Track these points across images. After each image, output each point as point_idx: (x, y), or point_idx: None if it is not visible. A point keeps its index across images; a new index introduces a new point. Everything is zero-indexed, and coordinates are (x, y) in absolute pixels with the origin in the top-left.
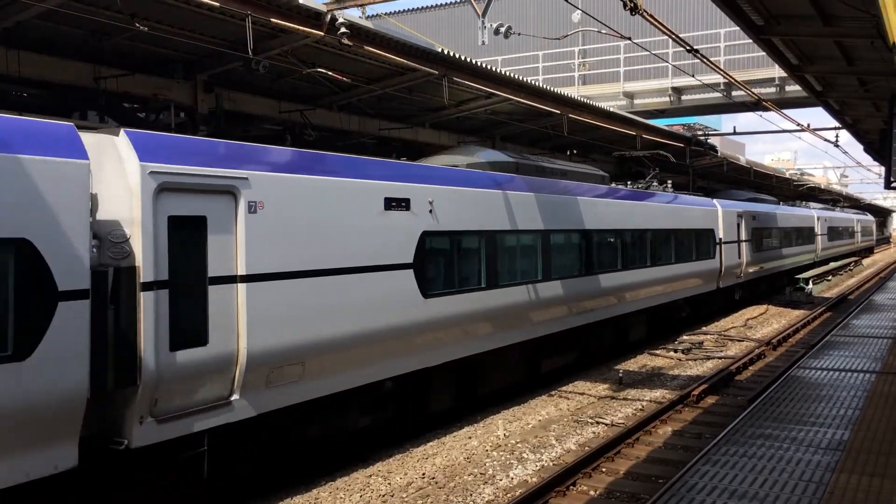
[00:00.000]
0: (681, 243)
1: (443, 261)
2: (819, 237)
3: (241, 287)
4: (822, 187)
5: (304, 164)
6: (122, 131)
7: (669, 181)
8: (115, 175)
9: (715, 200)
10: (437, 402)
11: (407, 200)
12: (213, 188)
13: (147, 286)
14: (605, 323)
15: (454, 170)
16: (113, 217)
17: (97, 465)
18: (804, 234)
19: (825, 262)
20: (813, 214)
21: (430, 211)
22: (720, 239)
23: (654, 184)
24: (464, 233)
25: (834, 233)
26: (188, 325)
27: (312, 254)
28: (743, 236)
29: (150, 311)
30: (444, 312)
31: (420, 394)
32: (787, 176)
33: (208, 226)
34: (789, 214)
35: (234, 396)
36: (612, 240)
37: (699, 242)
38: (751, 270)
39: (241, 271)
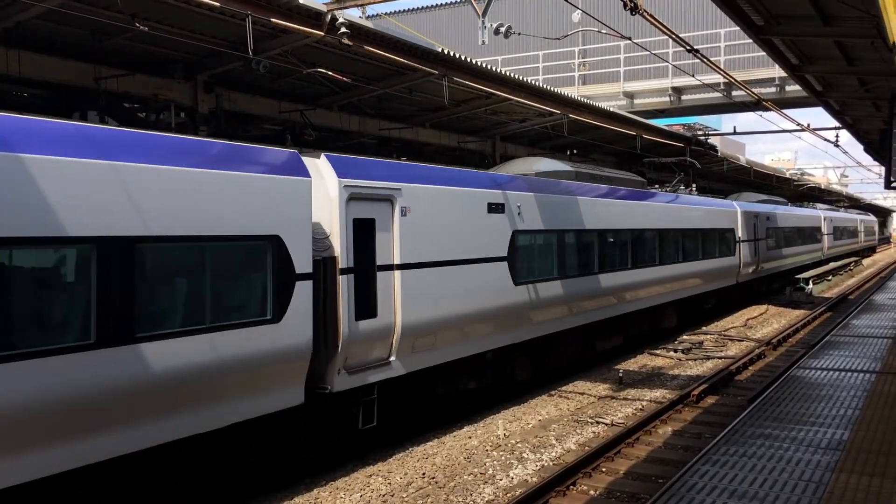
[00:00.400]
0: (707, 241)
1: (527, 255)
2: (825, 237)
3: (397, 273)
4: (823, 187)
5: (434, 176)
6: (322, 155)
7: (694, 185)
8: (319, 188)
9: (734, 203)
10: (521, 373)
11: (502, 205)
12: (379, 197)
13: (342, 272)
14: (644, 312)
15: (533, 178)
16: (317, 219)
17: (311, 404)
18: (812, 234)
19: (831, 259)
20: (820, 215)
21: (518, 213)
22: (739, 238)
23: (681, 187)
24: (542, 231)
25: (839, 232)
26: (365, 302)
27: (440, 248)
28: (759, 235)
29: (344, 291)
30: (529, 297)
31: (509, 365)
32: (787, 176)
33: (375, 226)
34: (799, 215)
35: (392, 358)
36: (651, 238)
37: (721, 241)
38: (765, 267)
39: (396, 261)
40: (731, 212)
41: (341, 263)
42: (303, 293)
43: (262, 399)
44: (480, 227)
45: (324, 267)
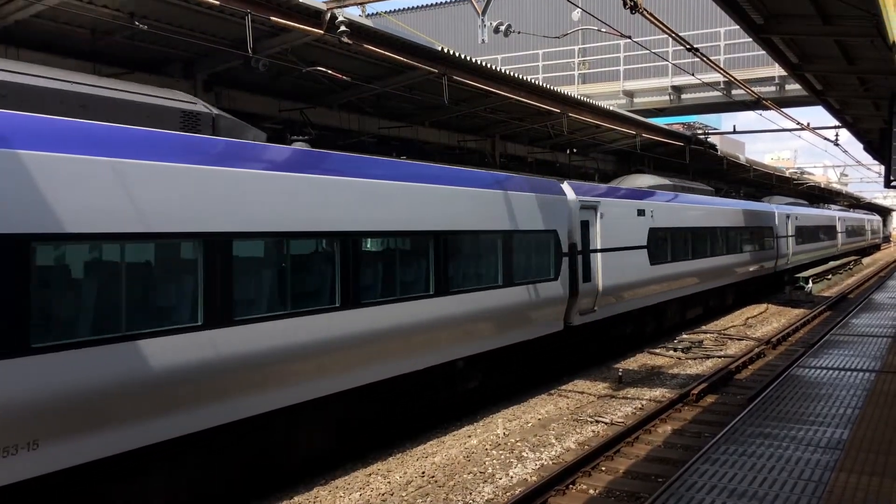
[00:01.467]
0: (755, 236)
1: (656, 245)
2: (840, 234)
3: (598, 255)
4: (832, 189)
5: (613, 193)
6: (565, 181)
7: (742, 190)
8: (566, 200)
9: (772, 205)
10: (649, 328)
11: (644, 210)
12: (591, 206)
13: (578, 252)
14: (716, 290)
15: (657, 191)
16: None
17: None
18: (830, 231)
19: (844, 255)
20: (835, 215)
21: (652, 216)
22: (777, 234)
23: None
24: (664, 228)
25: (850, 231)
26: (586, 271)
27: (617, 239)
28: (790, 233)
29: (577, 263)
30: (660, 274)
31: (645, 321)
32: (787, 175)
33: (589, 224)
34: (820, 215)
35: (596, 308)
36: (722, 234)
37: (765, 236)
38: (794, 259)
39: (598, 247)
40: (771, 213)
41: (578, 248)
42: (564, 264)
43: (547, 326)
44: (634, 225)
45: (571, 249)
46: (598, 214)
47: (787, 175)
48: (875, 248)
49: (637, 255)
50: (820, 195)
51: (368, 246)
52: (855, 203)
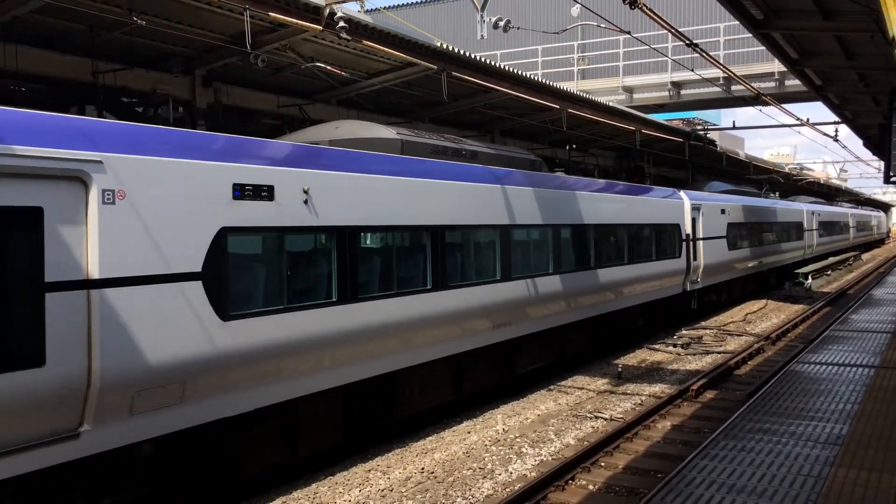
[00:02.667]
0: (792, 230)
1: (732, 235)
2: (851, 229)
3: (701, 242)
4: (839, 187)
5: (709, 197)
6: (682, 191)
7: (777, 192)
8: (682, 203)
9: (801, 203)
10: (723, 297)
11: (724, 210)
12: (696, 206)
13: (691, 239)
14: (764, 273)
15: (722, 195)
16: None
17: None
18: (845, 226)
19: (855, 247)
20: (848, 212)
21: (729, 214)
22: (805, 228)
23: (771, 193)
24: (737, 223)
25: (860, 226)
26: (695, 253)
27: (710, 230)
28: (815, 227)
29: (689, 247)
30: (734, 257)
31: (721, 292)
32: (787, 171)
33: (695, 220)
34: (836, 212)
35: (699, 279)
36: (772, 227)
37: (797, 230)
38: (818, 249)
39: (700, 236)
40: (801, 210)
41: (693, 236)
42: (683, 248)
43: (675, 289)
44: (719, 221)
45: (686, 237)
46: (700, 213)
47: (787, 171)
48: (880, 242)
49: (721, 243)
50: (827, 192)
51: (587, 233)
52: (857, 200)
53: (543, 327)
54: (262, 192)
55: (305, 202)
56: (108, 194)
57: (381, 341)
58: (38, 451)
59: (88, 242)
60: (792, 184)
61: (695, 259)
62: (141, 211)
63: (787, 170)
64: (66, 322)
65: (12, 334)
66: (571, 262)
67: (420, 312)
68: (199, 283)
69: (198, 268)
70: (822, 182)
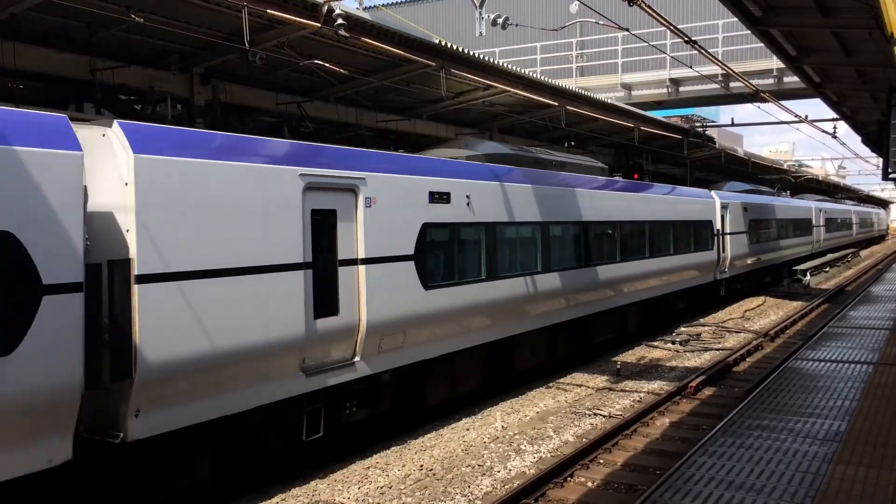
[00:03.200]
0: (801, 226)
1: (753, 230)
2: (855, 225)
3: (727, 237)
4: (830, 182)
5: (734, 196)
6: (713, 191)
7: (776, 186)
8: (714, 201)
9: (810, 202)
10: (742, 286)
11: (747, 208)
12: (724, 205)
13: (721, 235)
14: (779, 265)
15: (749, 194)
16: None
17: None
18: (848, 223)
19: (857, 242)
20: (851, 209)
21: (749, 211)
22: (813, 224)
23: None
24: (755, 220)
25: (862, 222)
26: (724, 246)
27: (735, 226)
28: (821, 223)
29: (719, 241)
30: (754, 250)
31: (742, 281)
32: (785, 167)
33: (723, 217)
34: (841, 209)
35: (726, 270)
36: (786, 223)
37: (807, 226)
38: (825, 244)
39: (727, 231)
40: (810, 208)
41: (719, 231)
42: (715, 241)
43: (708, 277)
44: (742, 218)
45: (716, 232)
46: (728, 210)
47: (785, 167)
48: (881, 238)
49: (743, 238)
50: (831, 190)
51: (645, 228)
52: (858, 197)
53: (611, 307)
54: (444, 198)
55: (468, 204)
56: (368, 200)
57: (508, 311)
58: (334, 372)
59: (357, 233)
60: (802, 183)
61: (723, 252)
62: (384, 212)
63: (785, 166)
64: (349, 286)
65: (325, 294)
66: (633, 253)
67: (533, 290)
68: (412, 262)
69: (411, 251)
70: (827, 181)
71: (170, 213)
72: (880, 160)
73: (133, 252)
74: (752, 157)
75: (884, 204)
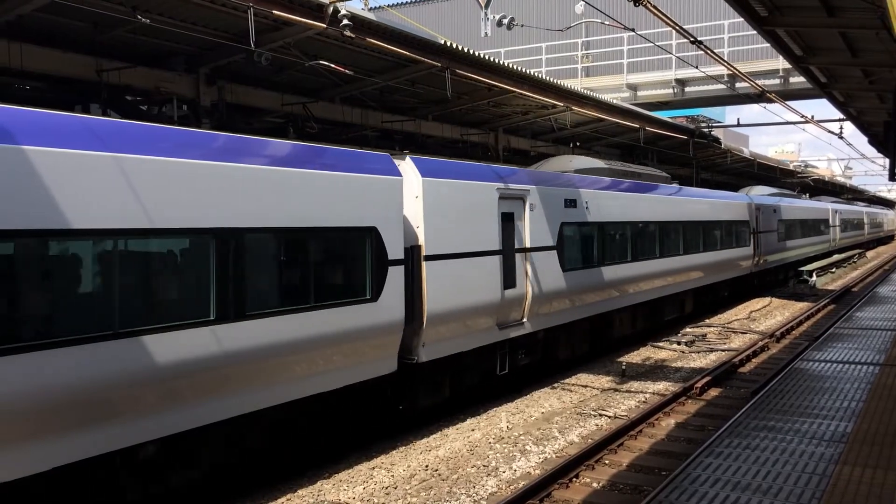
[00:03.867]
0: (820, 226)
1: (783, 229)
2: (866, 225)
3: (761, 235)
4: (845, 185)
5: (766, 199)
6: (749, 193)
7: (798, 188)
8: (752, 202)
9: (827, 203)
10: (771, 278)
11: (776, 209)
12: (758, 207)
13: (756, 232)
14: (802, 261)
15: (778, 197)
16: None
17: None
18: (860, 223)
19: (868, 241)
20: (863, 210)
21: (780, 213)
22: (829, 224)
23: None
24: (785, 220)
25: (873, 223)
26: (758, 243)
27: (766, 225)
28: (837, 224)
29: (755, 239)
30: (783, 247)
31: (773, 274)
32: (791, 168)
33: (757, 217)
34: (854, 210)
35: (760, 262)
36: (809, 223)
37: (825, 226)
38: (840, 243)
39: (759, 230)
40: (827, 209)
41: (754, 229)
42: (752, 239)
43: (745, 270)
44: (773, 218)
45: (753, 230)
46: (761, 211)
47: (791, 168)
48: (889, 238)
49: (773, 235)
50: (844, 192)
51: (703, 227)
52: (868, 199)
53: (676, 291)
54: (573, 203)
55: (587, 207)
56: (531, 206)
57: (612, 290)
58: (513, 328)
59: (525, 229)
60: (819, 185)
61: (758, 248)
62: (539, 214)
63: (791, 167)
64: (521, 268)
65: (509, 272)
66: (691, 248)
67: (627, 274)
68: (555, 251)
69: (554, 243)
70: (842, 184)
71: (439, 216)
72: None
73: (421, 241)
74: (757, 156)
75: (891, 204)
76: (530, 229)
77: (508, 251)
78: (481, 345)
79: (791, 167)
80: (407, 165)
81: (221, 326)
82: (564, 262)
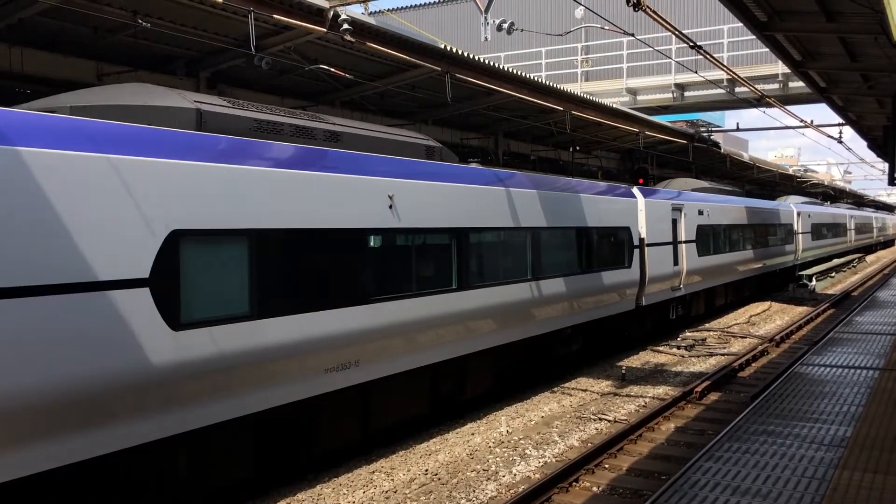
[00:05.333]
0: (840, 228)
1: (813, 231)
2: (875, 228)
3: (800, 235)
4: (852, 192)
5: (800, 206)
6: (791, 202)
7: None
8: (791, 210)
9: (845, 210)
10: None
11: (808, 214)
12: (797, 212)
13: (797, 233)
14: (829, 257)
15: (816, 205)
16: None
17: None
18: (871, 227)
19: (878, 242)
20: (873, 215)
21: (810, 217)
22: (847, 227)
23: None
24: (815, 223)
25: (881, 227)
26: (798, 241)
27: (804, 227)
28: (852, 227)
29: (796, 238)
30: (814, 244)
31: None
32: (791, 172)
33: (796, 221)
34: (865, 215)
35: (799, 257)
36: (834, 226)
37: (844, 229)
38: (854, 244)
39: (799, 231)
40: (845, 214)
41: (795, 231)
42: (792, 238)
43: (788, 263)
44: (806, 222)
45: (794, 230)
46: (800, 216)
47: (790, 173)
48: (893, 241)
49: (808, 236)
50: (838, 196)
51: (764, 229)
52: (872, 204)
53: (746, 276)
54: (702, 213)
55: (708, 216)
56: (685, 215)
57: (722, 271)
58: (675, 291)
59: (680, 229)
60: (837, 194)
61: (798, 245)
62: (688, 219)
63: (791, 171)
64: (679, 253)
65: (676, 255)
66: (763, 244)
67: (726, 262)
68: (694, 244)
69: (693, 238)
70: (853, 192)
71: (652, 221)
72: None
73: (644, 235)
74: (757, 161)
75: (890, 208)
76: (683, 228)
77: (675, 243)
78: (666, 299)
79: (791, 171)
80: (637, 191)
81: (581, 276)
82: (699, 250)
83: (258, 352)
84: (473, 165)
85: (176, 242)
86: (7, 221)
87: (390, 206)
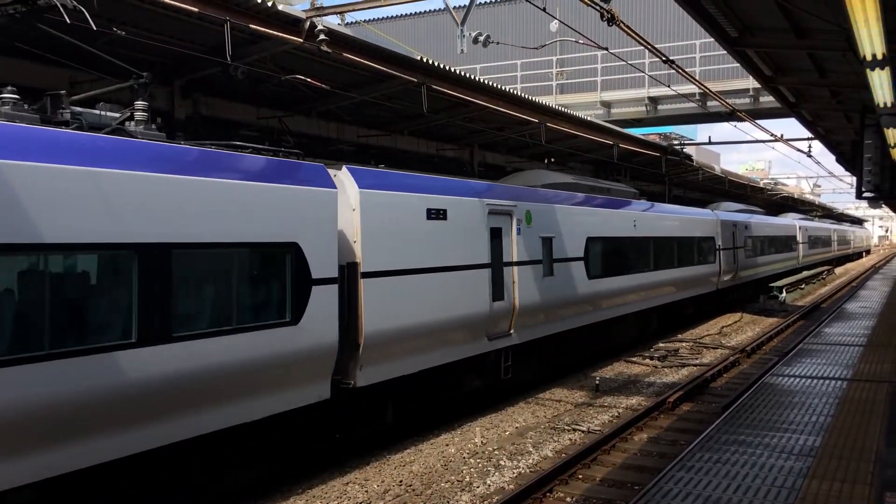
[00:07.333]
0: (825, 241)
1: (809, 243)
2: (852, 241)
3: (800, 245)
4: (824, 206)
5: (798, 220)
6: (792, 219)
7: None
8: (795, 225)
9: (830, 224)
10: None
11: (800, 227)
12: (796, 227)
13: (798, 243)
14: (842, 257)
15: (811, 221)
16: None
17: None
18: (848, 240)
19: (854, 253)
20: (849, 230)
21: (835, 232)
22: (831, 240)
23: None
24: (813, 236)
25: (856, 239)
26: (801, 250)
27: (806, 239)
28: (836, 239)
29: (797, 248)
30: (812, 253)
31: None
32: (762, 185)
33: (799, 232)
34: (844, 230)
35: (801, 262)
36: (821, 238)
37: (827, 242)
38: (837, 253)
39: (799, 241)
40: (829, 228)
41: (798, 241)
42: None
43: (791, 266)
44: (804, 233)
45: (795, 241)
46: (800, 229)
47: (761, 186)
48: (867, 251)
49: (806, 245)
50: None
51: (784, 240)
52: (850, 219)
53: (761, 276)
54: (634, 224)
55: (634, 225)
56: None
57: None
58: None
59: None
60: (825, 213)
61: (800, 252)
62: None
63: (761, 184)
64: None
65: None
66: (782, 250)
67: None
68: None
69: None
70: (838, 211)
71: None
72: (854, 179)
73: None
74: (728, 174)
75: (859, 221)
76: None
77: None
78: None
79: (762, 184)
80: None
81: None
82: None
83: None
84: (643, 201)
85: None
86: None
87: (634, 225)
